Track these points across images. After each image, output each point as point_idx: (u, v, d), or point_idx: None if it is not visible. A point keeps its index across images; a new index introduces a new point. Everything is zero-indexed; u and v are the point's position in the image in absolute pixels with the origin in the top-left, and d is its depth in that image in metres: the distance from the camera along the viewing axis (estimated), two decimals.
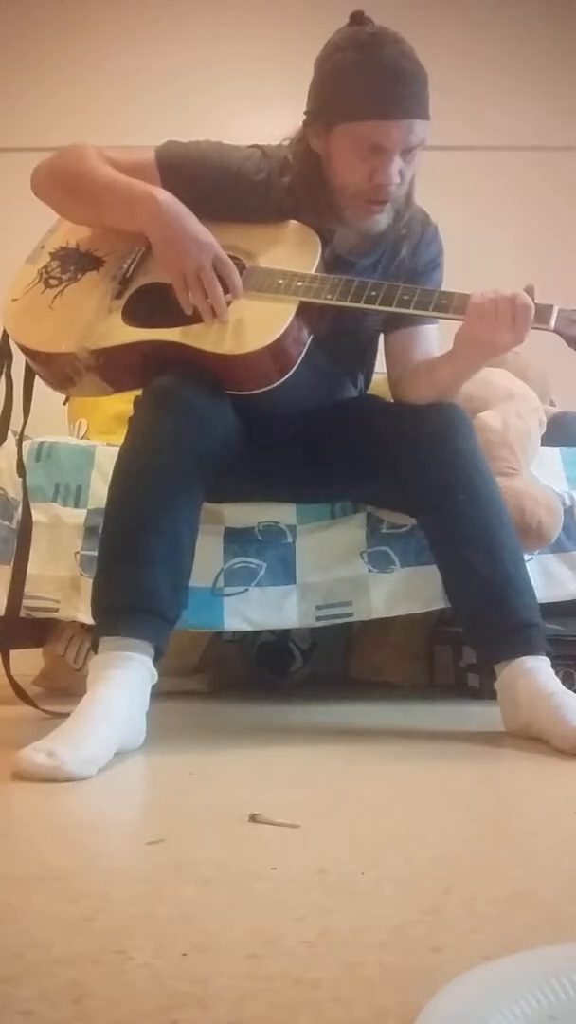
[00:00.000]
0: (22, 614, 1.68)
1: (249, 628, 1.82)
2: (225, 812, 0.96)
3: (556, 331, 1.43)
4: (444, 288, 1.64)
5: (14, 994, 0.52)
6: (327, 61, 1.48)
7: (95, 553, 1.54)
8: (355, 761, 1.31)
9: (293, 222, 1.58)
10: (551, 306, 1.44)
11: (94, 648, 1.38)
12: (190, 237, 1.46)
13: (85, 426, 2.44)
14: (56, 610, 1.80)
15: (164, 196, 1.48)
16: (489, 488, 1.53)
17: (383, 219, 1.55)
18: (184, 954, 0.57)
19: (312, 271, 1.52)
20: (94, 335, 1.51)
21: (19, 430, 1.71)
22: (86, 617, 1.63)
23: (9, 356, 1.64)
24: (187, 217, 1.48)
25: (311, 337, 1.54)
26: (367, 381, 1.80)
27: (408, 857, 0.81)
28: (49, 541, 1.81)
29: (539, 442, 1.96)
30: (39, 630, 2.14)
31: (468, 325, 1.46)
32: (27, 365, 1.61)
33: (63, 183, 1.56)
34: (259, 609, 1.77)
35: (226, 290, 1.47)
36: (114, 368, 1.53)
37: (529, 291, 1.44)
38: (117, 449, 1.50)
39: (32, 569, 1.68)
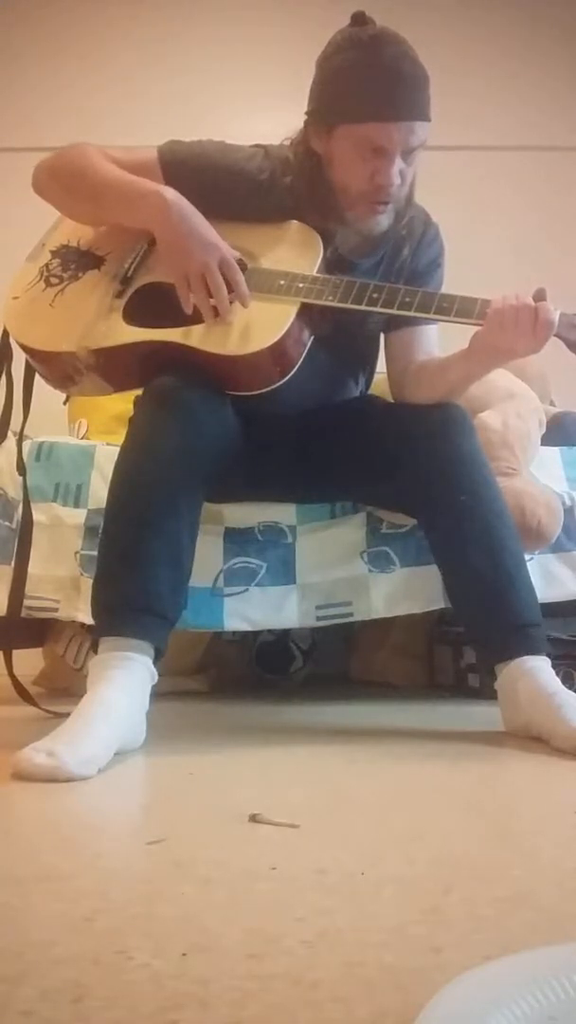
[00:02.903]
0: (22, 614, 1.68)
1: (249, 628, 1.82)
2: (225, 812, 0.96)
3: (557, 335, 1.43)
4: (444, 288, 1.64)
5: (14, 994, 0.52)
6: (328, 62, 1.48)
7: (95, 553, 1.54)
8: (355, 761, 1.31)
9: (295, 222, 1.58)
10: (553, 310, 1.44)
11: (94, 648, 1.38)
12: (196, 236, 1.46)
13: (85, 426, 2.44)
14: (56, 610, 1.80)
15: (171, 194, 1.48)
16: (490, 488, 1.53)
17: (384, 220, 1.55)
18: (184, 954, 0.57)
19: (314, 272, 1.52)
20: (95, 334, 1.51)
21: (19, 429, 1.71)
22: (86, 617, 1.63)
23: (9, 355, 1.64)
24: (194, 216, 1.47)
25: (312, 338, 1.54)
26: (368, 381, 1.80)
27: (408, 857, 0.81)
28: (49, 541, 1.81)
29: (539, 442, 1.96)
30: (39, 630, 2.14)
31: (487, 331, 1.45)
32: (27, 364, 1.61)
33: (65, 181, 1.56)
34: (259, 609, 1.77)
35: (230, 291, 1.47)
36: (114, 368, 1.53)
37: (541, 294, 1.43)
38: (117, 449, 1.50)
39: (32, 569, 1.68)
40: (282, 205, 1.57)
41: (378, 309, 1.49)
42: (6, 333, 1.62)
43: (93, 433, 2.37)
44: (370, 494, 1.76)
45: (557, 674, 1.43)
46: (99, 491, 1.78)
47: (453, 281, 1.69)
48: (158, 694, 1.38)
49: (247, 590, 1.77)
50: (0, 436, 1.68)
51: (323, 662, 2.41)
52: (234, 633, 2.17)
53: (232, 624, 1.77)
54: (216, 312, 1.47)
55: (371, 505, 1.80)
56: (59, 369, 1.56)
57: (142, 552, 1.38)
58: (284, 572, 1.78)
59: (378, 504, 1.79)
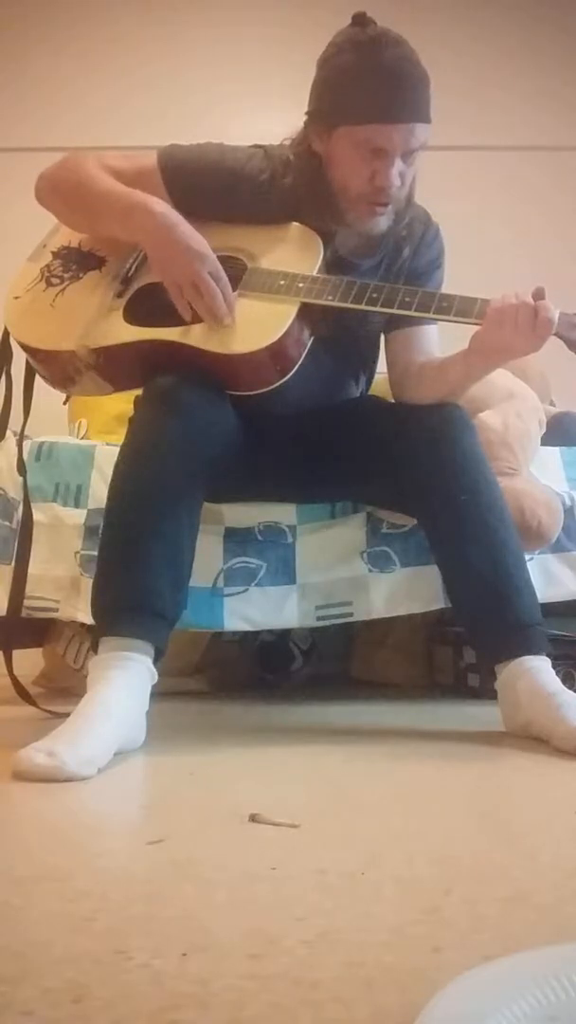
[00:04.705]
0: (22, 614, 1.68)
1: (249, 628, 1.82)
2: (225, 812, 0.96)
3: (557, 334, 1.43)
4: (446, 288, 1.64)
5: (15, 994, 0.52)
6: (329, 63, 1.48)
7: (95, 553, 1.54)
8: (355, 761, 1.31)
9: (295, 224, 1.58)
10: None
11: (94, 648, 1.38)
12: (184, 247, 1.46)
13: (85, 426, 2.44)
14: (56, 610, 1.80)
15: (159, 207, 1.48)
16: (490, 488, 1.53)
17: (384, 221, 1.55)
18: (184, 954, 0.57)
19: (314, 272, 1.52)
20: (95, 334, 1.51)
21: (19, 429, 1.71)
22: (86, 617, 1.63)
23: (9, 354, 1.64)
24: (182, 227, 1.47)
25: (312, 338, 1.54)
26: (368, 382, 1.80)
27: (408, 857, 0.81)
28: (49, 541, 1.81)
29: (539, 442, 1.96)
30: (39, 630, 2.14)
31: (486, 330, 1.45)
32: (27, 364, 1.62)
33: (64, 194, 1.57)
34: (259, 609, 1.77)
35: None
36: (114, 367, 1.53)
37: (539, 293, 1.43)
38: (117, 449, 1.50)
39: (32, 569, 1.68)
40: (282, 205, 1.57)
41: (378, 309, 1.49)
42: (6, 333, 1.62)
43: (93, 433, 2.37)
44: (370, 494, 1.76)
45: (557, 674, 1.43)
46: (99, 491, 1.78)
47: (454, 281, 1.68)
48: (158, 694, 1.38)
49: (247, 590, 1.77)
50: None
51: (323, 662, 2.40)
52: (234, 633, 2.17)
53: (232, 624, 1.77)
54: (213, 317, 1.47)
55: (371, 505, 1.80)
56: (59, 368, 1.56)
57: (142, 552, 1.38)
58: (284, 572, 1.78)
59: (378, 504, 1.79)
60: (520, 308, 1.41)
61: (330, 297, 1.49)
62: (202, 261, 1.46)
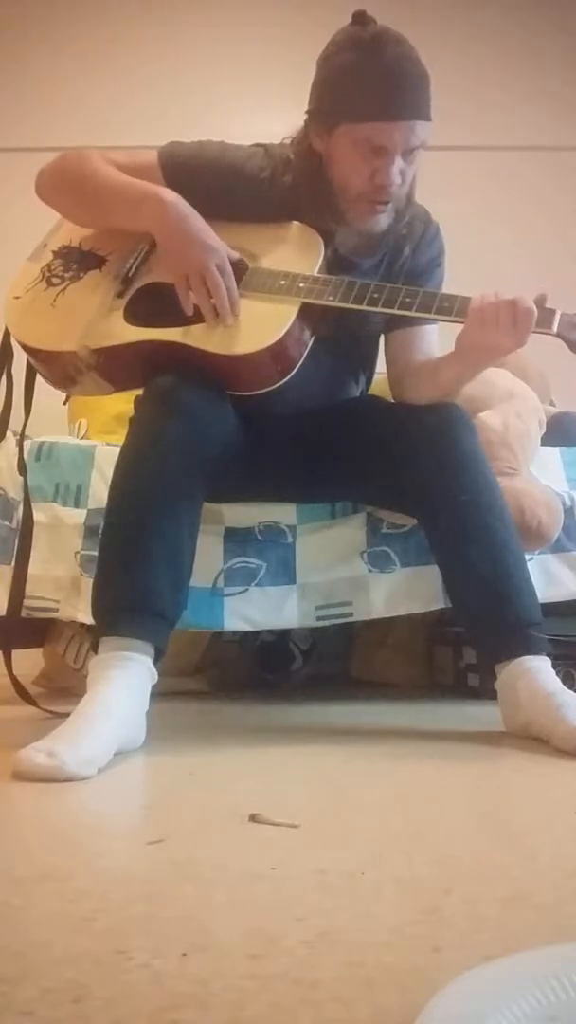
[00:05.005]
0: (22, 614, 1.68)
1: (249, 628, 1.82)
2: (225, 812, 0.96)
3: (558, 335, 1.43)
4: (446, 288, 1.64)
5: (15, 994, 0.52)
6: (329, 61, 1.48)
7: (95, 553, 1.54)
8: (355, 761, 1.31)
9: (296, 223, 1.58)
10: (553, 310, 1.44)
11: (94, 648, 1.38)
12: (195, 238, 1.46)
13: (85, 426, 2.44)
14: (56, 610, 1.80)
15: (170, 196, 1.48)
16: (491, 488, 1.53)
17: (384, 219, 1.55)
18: (184, 954, 0.57)
19: (315, 272, 1.52)
20: (95, 334, 1.51)
21: (19, 429, 1.71)
22: (86, 617, 1.63)
23: (10, 354, 1.64)
24: (193, 218, 1.48)
25: (313, 338, 1.54)
26: (368, 381, 1.80)
27: (408, 857, 0.81)
28: (49, 541, 1.81)
29: (539, 442, 1.96)
30: (39, 630, 2.14)
31: (468, 330, 1.46)
32: (28, 363, 1.61)
33: (68, 187, 1.57)
34: (259, 609, 1.77)
35: None
36: (115, 367, 1.53)
37: (540, 300, 1.43)
38: (117, 449, 1.50)
39: (32, 569, 1.68)
40: (282, 204, 1.57)
41: (379, 309, 1.50)
42: (7, 333, 1.62)
43: (93, 433, 2.37)
44: (370, 494, 1.76)
45: (557, 674, 1.43)
46: (99, 491, 1.78)
47: (454, 281, 1.68)
48: (158, 694, 1.38)
49: (247, 590, 1.77)
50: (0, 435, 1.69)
51: (323, 662, 2.40)
52: (234, 633, 2.17)
53: (232, 624, 1.77)
54: (216, 312, 1.47)
55: (371, 505, 1.80)
56: (60, 369, 1.56)
57: (142, 552, 1.38)
58: (284, 572, 1.78)
59: (378, 504, 1.79)
60: (500, 306, 1.42)
61: (331, 297, 1.49)
62: (211, 253, 1.46)
